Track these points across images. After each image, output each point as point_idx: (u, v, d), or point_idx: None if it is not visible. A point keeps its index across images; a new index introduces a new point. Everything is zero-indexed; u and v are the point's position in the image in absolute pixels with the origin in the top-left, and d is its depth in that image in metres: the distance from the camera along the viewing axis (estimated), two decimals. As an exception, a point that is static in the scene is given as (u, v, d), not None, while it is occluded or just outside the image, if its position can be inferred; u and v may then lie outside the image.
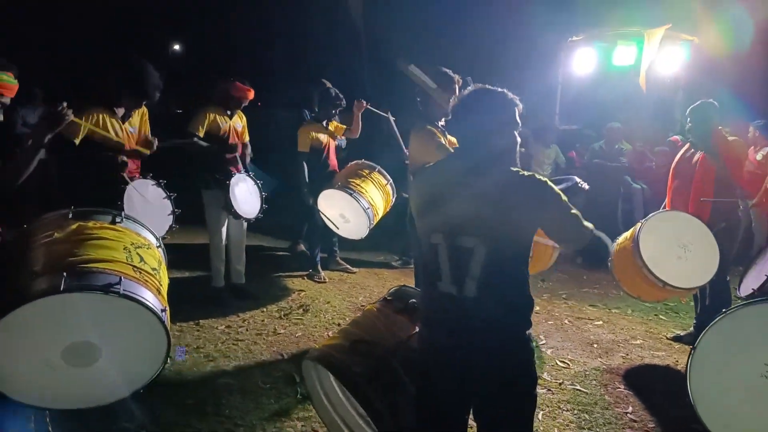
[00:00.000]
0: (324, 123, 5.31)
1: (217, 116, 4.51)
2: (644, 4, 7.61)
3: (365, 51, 9.98)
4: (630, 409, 3.31)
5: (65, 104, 2.51)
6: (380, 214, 4.85)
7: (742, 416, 2.00)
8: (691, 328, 4.35)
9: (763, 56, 8.32)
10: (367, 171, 4.86)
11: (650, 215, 3.95)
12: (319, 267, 5.54)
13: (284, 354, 3.83)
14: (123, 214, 2.67)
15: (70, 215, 2.50)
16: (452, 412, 1.97)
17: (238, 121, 4.71)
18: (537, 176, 1.85)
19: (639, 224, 3.85)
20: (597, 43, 7.86)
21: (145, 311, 2.21)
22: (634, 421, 3.18)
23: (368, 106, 5.16)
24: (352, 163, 5.04)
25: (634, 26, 7.37)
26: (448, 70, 3.56)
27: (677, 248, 3.80)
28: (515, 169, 1.89)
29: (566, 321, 4.77)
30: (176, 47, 19.89)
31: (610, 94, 8.18)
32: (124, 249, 2.40)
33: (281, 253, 6.56)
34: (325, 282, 5.43)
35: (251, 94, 4.62)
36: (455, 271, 1.85)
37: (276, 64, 12.75)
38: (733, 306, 2.33)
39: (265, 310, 4.64)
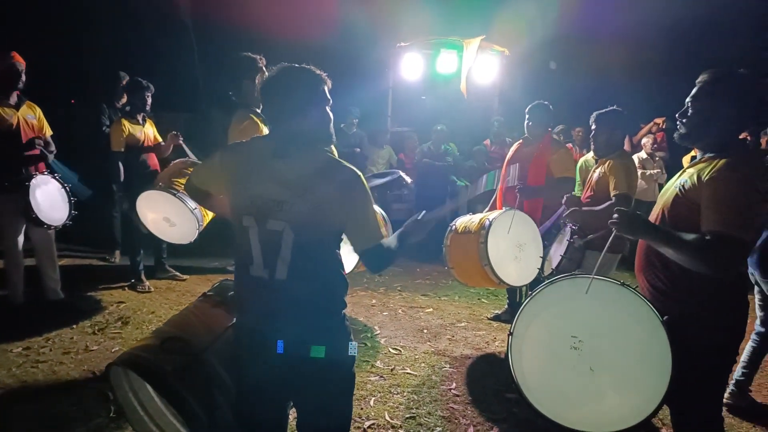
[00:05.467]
0: (140, 118, 4.89)
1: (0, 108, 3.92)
2: (462, 16, 8.28)
3: (196, 49, 9.50)
4: (454, 385, 3.52)
5: None
6: (210, 215, 4.59)
7: (558, 387, 2.17)
8: (506, 306, 4.80)
9: (566, 67, 9.56)
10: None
11: (495, 214, 3.93)
12: (143, 276, 5.09)
13: (96, 371, 3.43)
14: None
15: None
16: (271, 400, 1.90)
17: (30, 113, 4.12)
18: (351, 167, 1.82)
19: (486, 221, 3.85)
20: (423, 50, 8.35)
21: None
22: (458, 395, 3.39)
23: (182, 143, 4.78)
24: (176, 161, 4.70)
25: (453, 36, 7.96)
26: (249, 54, 3.43)
27: (515, 248, 3.97)
28: (330, 154, 1.87)
29: (400, 311, 4.96)
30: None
31: (437, 98, 8.76)
32: None
33: (99, 263, 5.91)
34: (149, 291, 5.00)
35: (17, 57, 3.98)
36: (266, 255, 1.79)
37: (96, 63, 11.53)
38: (536, 289, 2.43)
39: (75, 326, 4.11)
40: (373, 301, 5.21)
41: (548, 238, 3.99)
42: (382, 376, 3.59)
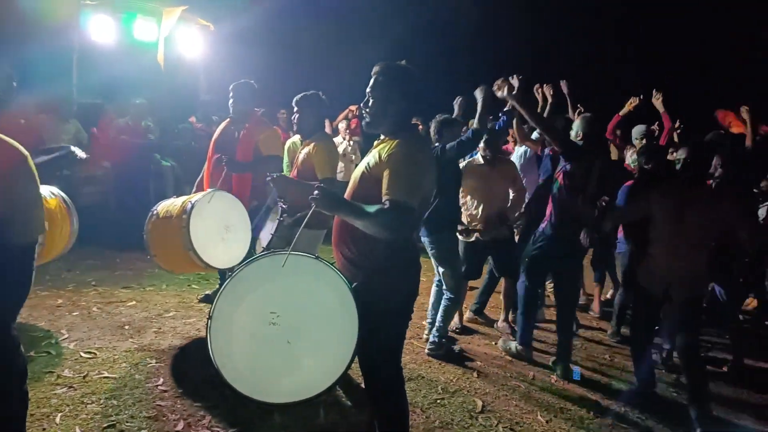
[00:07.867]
0: None
1: None
2: (161, -19, 7.60)
3: None
4: (161, 381, 3.25)
5: None
6: None
7: (261, 364, 2.15)
8: (218, 287, 4.67)
9: (274, 45, 9.64)
10: None
11: (198, 197, 3.69)
12: None
13: None
14: None
15: None
16: None
17: None
18: (14, 144, 1.50)
19: (189, 204, 3.60)
20: (116, 12, 7.40)
21: None
22: (165, 391, 3.14)
23: None
24: None
25: (152, 2, 7.27)
26: None
27: (221, 229, 3.80)
28: None
29: (95, 308, 4.35)
30: None
31: (134, 69, 7.86)
32: None
33: None
34: None
35: None
36: None
37: None
38: (236, 269, 2.32)
39: None
40: (60, 300, 4.45)
41: (259, 217, 3.99)
42: (71, 387, 3.08)
